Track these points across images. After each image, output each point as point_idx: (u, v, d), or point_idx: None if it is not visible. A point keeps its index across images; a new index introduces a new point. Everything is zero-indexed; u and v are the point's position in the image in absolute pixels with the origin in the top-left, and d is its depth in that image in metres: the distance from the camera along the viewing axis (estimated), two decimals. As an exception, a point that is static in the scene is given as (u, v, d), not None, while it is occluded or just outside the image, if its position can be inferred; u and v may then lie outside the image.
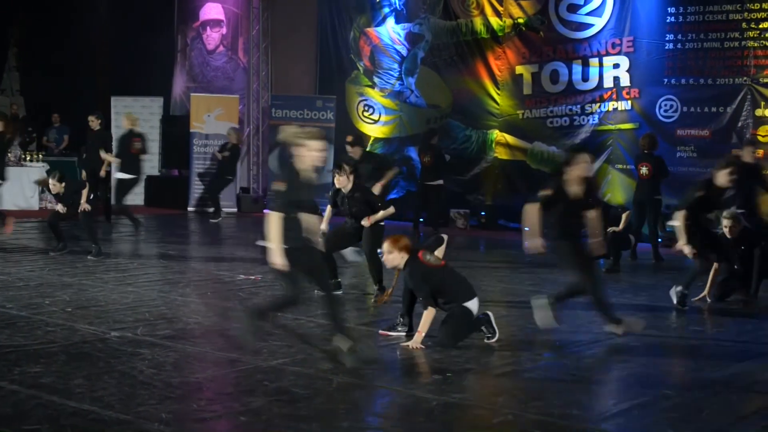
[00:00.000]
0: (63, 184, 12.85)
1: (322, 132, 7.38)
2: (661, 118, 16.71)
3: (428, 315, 7.79)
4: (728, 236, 10.60)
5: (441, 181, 17.25)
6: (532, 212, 8.46)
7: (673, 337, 8.66)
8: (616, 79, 17.21)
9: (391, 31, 19.98)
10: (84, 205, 12.68)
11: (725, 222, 10.71)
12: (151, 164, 21.77)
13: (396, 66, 19.94)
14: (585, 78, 17.59)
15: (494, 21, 18.55)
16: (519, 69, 18.36)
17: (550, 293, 8.67)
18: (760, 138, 15.67)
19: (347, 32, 20.64)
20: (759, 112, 15.77)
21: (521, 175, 18.34)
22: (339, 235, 10.46)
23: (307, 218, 7.24)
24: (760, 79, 15.76)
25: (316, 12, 21.28)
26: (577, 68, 17.65)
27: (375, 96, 20.24)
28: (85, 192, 12.79)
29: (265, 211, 20.59)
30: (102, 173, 16.17)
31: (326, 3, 21.00)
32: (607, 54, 17.30)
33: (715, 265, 10.67)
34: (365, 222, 10.06)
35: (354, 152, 12.79)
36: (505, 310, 9.61)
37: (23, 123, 22.32)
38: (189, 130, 20.77)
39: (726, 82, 16.09)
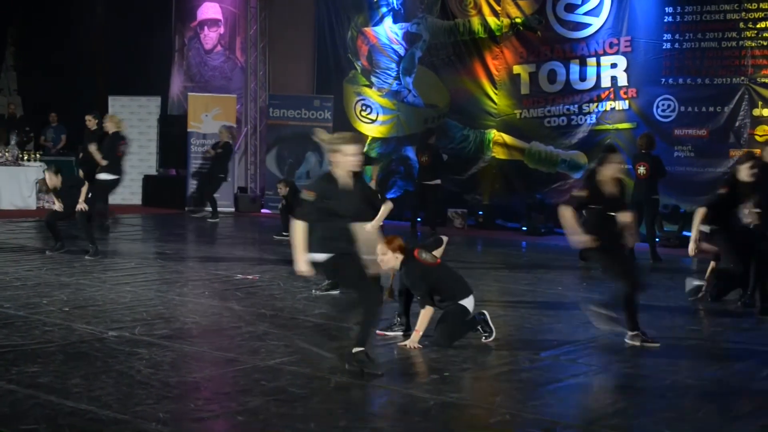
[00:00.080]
0: (60, 178, 12.86)
1: (356, 136, 7.26)
2: (658, 117, 16.72)
3: (426, 314, 7.80)
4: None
5: (439, 181, 17.25)
6: (567, 215, 8.28)
7: (670, 336, 8.66)
8: (614, 78, 17.22)
9: (388, 31, 19.97)
10: (82, 205, 12.68)
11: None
12: (149, 164, 21.81)
13: (393, 66, 19.93)
14: (582, 78, 17.60)
15: (492, 21, 18.55)
16: (516, 69, 18.36)
17: (598, 301, 8.48)
18: (757, 138, 15.69)
19: (345, 32, 20.63)
20: (756, 112, 15.78)
21: (519, 175, 18.35)
22: None
23: (356, 227, 7.14)
24: (758, 79, 15.77)
25: (314, 11, 21.27)
26: (574, 68, 17.65)
27: (372, 95, 20.24)
28: (84, 189, 12.79)
29: (262, 210, 20.62)
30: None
31: (324, 2, 20.98)
32: (605, 54, 17.30)
33: (712, 264, 10.68)
34: (368, 228, 10.01)
35: None
36: (502, 310, 9.62)
37: (20, 123, 22.30)
38: (186, 130, 20.76)
39: (723, 81, 16.10)
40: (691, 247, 9.86)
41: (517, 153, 18.43)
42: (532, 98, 18.21)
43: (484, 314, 8.13)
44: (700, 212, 9.93)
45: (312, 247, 6.87)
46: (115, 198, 20.48)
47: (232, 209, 20.70)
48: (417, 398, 6.29)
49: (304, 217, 6.86)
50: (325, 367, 6.97)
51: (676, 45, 16.55)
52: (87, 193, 12.80)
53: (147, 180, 21.45)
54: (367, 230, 7.19)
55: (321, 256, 6.87)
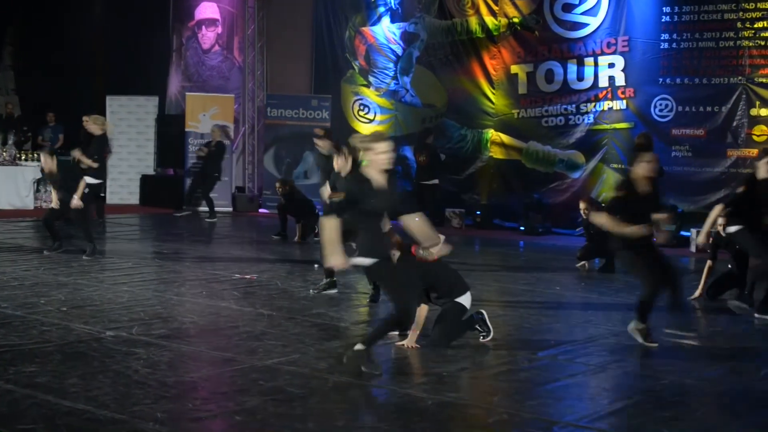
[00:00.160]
0: (55, 161, 12.85)
1: (385, 133, 7.19)
2: (656, 117, 16.74)
3: (421, 312, 7.80)
4: (723, 235, 10.60)
5: (436, 181, 17.27)
6: (605, 219, 8.28)
7: (668, 336, 8.66)
8: (611, 78, 17.23)
9: (386, 31, 19.98)
10: (77, 201, 12.60)
11: (720, 220, 10.72)
12: (147, 163, 21.80)
13: (391, 65, 19.94)
14: (580, 77, 17.61)
15: (489, 20, 18.55)
16: (514, 68, 18.37)
17: (637, 319, 8.30)
18: (754, 137, 15.70)
19: (342, 31, 20.64)
20: (754, 112, 15.80)
21: (516, 175, 18.36)
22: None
23: (407, 219, 7.05)
24: (755, 79, 15.79)
25: (312, 11, 21.28)
26: (572, 68, 17.66)
27: (370, 95, 20.25)
28: (82, 184, 12.73)
29: (260, 210, 20.61)
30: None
31: (321, 2, 20.99)
32: (603, 53, 17.31)
33: (709, 263, 10.69)
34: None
35: (323, 145, 12.53)
36: (501, 310, 9.62)
37: (18, 122, 22.29)
38: (184, 130, 20.76)
39: (721, 81, 16.11)
40: (702, 238, 9.95)
41: (514, 153, 18.43)
42: (529, 98, 18.21)
43: (482, 314, 8.13)
44: (717, 208, 9.94)
45: (359, 251, 6.82)
46: (112, 198, 20.58)
47: (230, 209, 20.69)
48: (415, 398, 6.29)
49: (333, 213, 6.78)
50: (323, 367, 6.97)
51: (674, 45, 16.56)
52: (84, 189, 12.75)
53: (144, 180, 21.44)
54: (416, 221, 7.00)
55: (366, 261, 6.82)
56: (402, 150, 19.64)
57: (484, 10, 18.60)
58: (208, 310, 9.24)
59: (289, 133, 20.54)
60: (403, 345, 7.76)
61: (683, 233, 16.12)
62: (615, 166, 17.12)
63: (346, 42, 20.59)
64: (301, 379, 6.64)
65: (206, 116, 20.59)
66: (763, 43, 15.72)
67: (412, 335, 7.77)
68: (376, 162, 6.88)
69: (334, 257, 6.73)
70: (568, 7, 17.68)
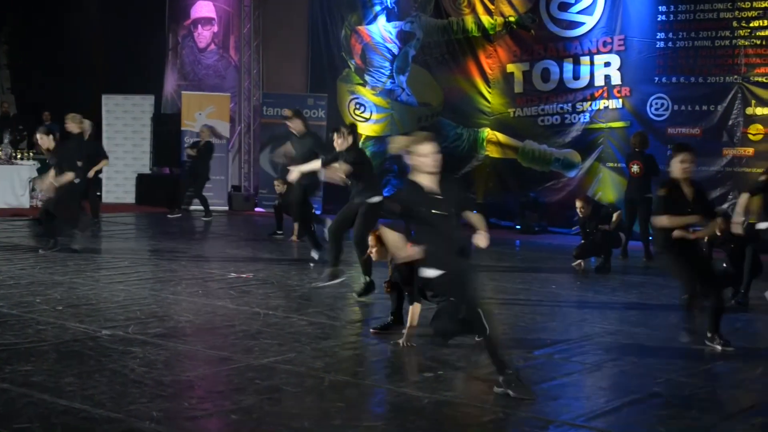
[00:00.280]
0: (51, 139, 12.83)
1: (428, 134, 6.87)
2: (652, 116, 16.74)
3: (415, 310, 7.80)
4: (717, 234, 10.61)
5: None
6: (667, 220, 7.96)
7: (664, 335, 8.67)
8: (607, 77, 17.23)
9: (382, 29, 19.98)
10: (51, 183, 12.58)
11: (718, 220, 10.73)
12: (142, 162, 21.79)
13: (387, 64, 19.94)
14: (576, 76, 17.61)
15: (485, 19, 18.55)
16: (510, 67, 18.37)
17: (689, 328, 8.26)
18: (750, 136, 15.72)
19: (338, 30, 20.63)
20: (750, 111, 15.81)
21: (512, 174, 18.37)
22: (346, 215, 10.43)
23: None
24: (751, 78, 15.80)
25: (307, 10, 21.27)
26: (568, 66, 17.67)
27: (366, 94, 20.24)
28: (69, 176, 12.70)
29: (256, 209, 20.61)
30: (90, 174, 15.87)
31: (317, 1, 20.98)
32: (598, 52, 17.31)
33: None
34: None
35: (294, 125, 12.57)
36: (496, 308, 9.61)
37: (14, 121, 22.29)
38: (180, 128, 20.75)
39: (717, 80, 16.12)
40: (736, 227, 9.59)
41: (510, 151, 18.44)
42: (525, 97, 18.22)
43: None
44: (744, 197, 9.78)
45: (425, 263, 6.65)
46: (108, 196, 20.56)
47: (226, 208, 20.69)
48: (411, 397, 6.29)
49: (388, 217, 6.65)
50: (319, 366, 6.98)
51: (670, 44, 16.57)
52: (73, 180, 12.75)
53: (140, 178, 21.44)
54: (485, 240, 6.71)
55: (432, 272, 6.63)
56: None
57: (480, 9, 18.60)
58: (204, 308, 9.23)
59: (285, 132, 20.29)
60: (399, 343, 7.76)
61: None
62: (611, 165, 17.13)
63: (342, 41, 20.58)
64: (297, 377, 6.64)
65: (202, 115, 20.58)
66: (758, 42, 15.73)
67: (408, 334, 7.77)
68: (422, 165, 6.61)
69: (405, 251, 6.61)
70: (564, 6, 17.68)
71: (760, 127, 15.71)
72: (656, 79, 16.71)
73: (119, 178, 21.39)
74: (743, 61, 15.87)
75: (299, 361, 7.12)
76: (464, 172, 18.85)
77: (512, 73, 18.35)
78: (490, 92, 18.61)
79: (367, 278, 10.10)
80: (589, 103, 17.45)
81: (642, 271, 13.28)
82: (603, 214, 13.19)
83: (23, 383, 6.23)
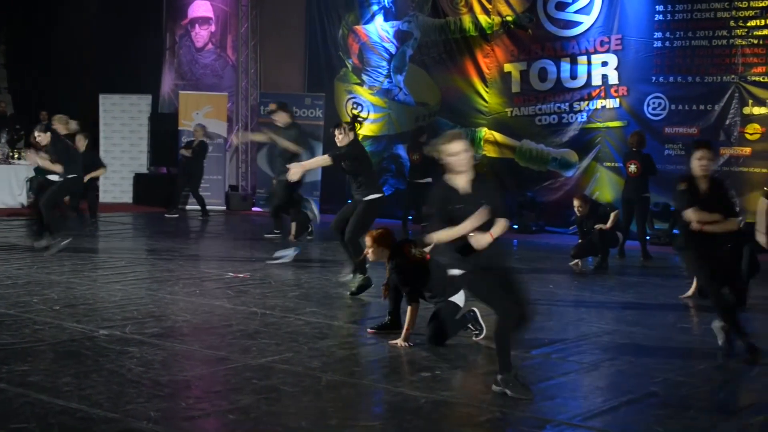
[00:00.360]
0: (49, 135, 12.85)
1: (457, 132, 6.73)
2: (649, 116, 16.75)
3: (413, 311, 7.80)
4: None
5: (430, 179, 17.20)
6: (694, 213, 7.76)
7: (660, 334, 8.68)
8: (605, 77, 17.23)
9: (379, 29, 19.98)
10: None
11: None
12: (140, 162, 21.78)
13: (384, 64, 19.94)
14: (573, 76, 17.61)
15: (483, 19, 18.55)
16: (507, 67, 18.37)
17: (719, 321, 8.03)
18: (747, 136, 15.73)
19: (336, 30, 20.63)
20: (747, 110, 15.82)
21: (510, 173, 18.36)
22: (345, 214, 10.48)
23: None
24: (748, 77, 15.80)
25: (305, 10, 21.26)
26: (565, 66, 17.67)
27: (363, 94, 20.24)
28: (57, 168, 12.78)
29: (253, 209, 20.58)
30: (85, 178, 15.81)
31: (315, 0, 20.97)
32: (596, 52, 17.32)
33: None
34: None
35: (279, 118, 12.54)
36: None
37: (11, 121, 22.26)
38: (177, 128, 20.74)
39: (714, 80, 16.13)
40: (760, 237, 8.93)
41: (508, 151, 18.44)
42: (523, 96, 18.22)
43: (474, 312, 8.13)
44: (762, 204, 9.08)
45: (451, 262, 6.57)
46: (105, 196, 20.53)
47: (223, 207, 20.69)
48: (408, 396, 6.29)
49: (434, 229, 6.50)
50: (316, 366, 6.98)
51: (667, 43, 16.58)
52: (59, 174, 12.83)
53: (137, 178, 21.42)
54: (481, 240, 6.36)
55: (457, 272, 6.54)
56: (395, 149, 19.66)
57: (477, 8, 18.59)
58: (201, 308, 9.23)
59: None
60: (396, 343, 7.77)
61: (676, 231, 16.12)
62: (608, 164, 17.13)
63: (340, 40, 20.58)
64: (294, 377, 6.64)
65: (199, 115, 20.56)
66: (756, 41, 15.74)
67: (405, 333, 7.78)
68: (452, 165, 6.50)
69: (479, 237, 6.35)
70: (562, 6, 17.68)
71: (757, 126, 15.72)
72: (653, 78, 16.71)
73: (116, 178, 21.37)
74: (740, 61, 15.88)
75: (296, 361, 7.12)
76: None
77: (509, 73, 18.35)
78: (487, 92, 18.61)
79: (361, 276, 10.11)
80: (586, 102, 17.46)
81: (639, 270, 13.29)
82: (601, 213, 13.20)
83: (20, 383, 6.23)
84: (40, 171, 15.01)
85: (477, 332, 8.07)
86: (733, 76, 15.94)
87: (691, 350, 8.21)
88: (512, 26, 18.27)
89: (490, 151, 18.59)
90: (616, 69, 17.11)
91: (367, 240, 8.25)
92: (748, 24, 15.77)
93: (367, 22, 20.13)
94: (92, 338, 7.68)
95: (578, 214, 13.31)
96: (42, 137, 12.94)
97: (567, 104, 17.68)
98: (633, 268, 13.40)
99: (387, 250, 8.12)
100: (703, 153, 7.92)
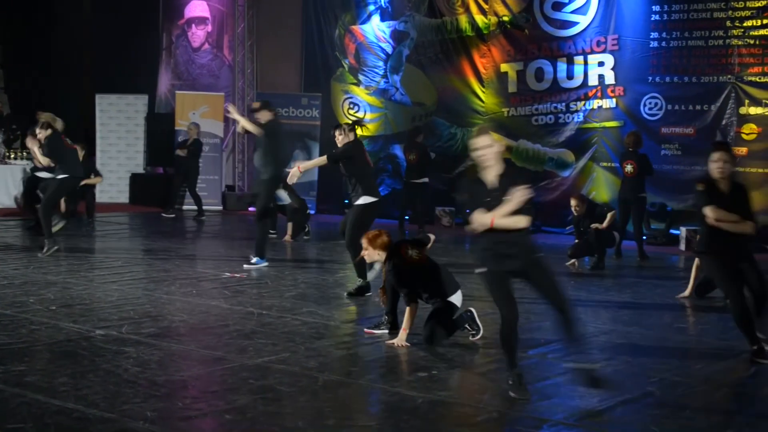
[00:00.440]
0: (49, 131, 12.85)
1: (485, 127, 6.69)
2: (645, 116, 16.77)
3: (411, 312, 7.80)
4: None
5: (426, 179, 17.26)
6: (714, 211, 7.57)
7: (657, 334, 8.68)
8: (601, 77, 17.25)
9: (376, 29, 19.98)
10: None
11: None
12: (136, 162, 21.77)
13: (381, 64, 19.94)
14: (570, 76, 17.63)
15: (479, 19, 18.57)
16: (504, 67, 18.38)
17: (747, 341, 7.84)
18: (744, 136, 15.74)
19: (332, 30, 20.63)
20: (743, 110, 15.83)
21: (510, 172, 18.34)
22: (348, 217, 10.52)
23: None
24: (745, 77, 15.83)
25: (301, 9, 21.27)
26: (562, 66, 17.68)
27: (360, 94, 20.24)
28: (45, 161, 12.82)
29: (250, 208, 20.56)
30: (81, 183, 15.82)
31: (311, 0, 20.98)
32: (592, 52, 17.33)
33: (697, 261, 10.68)
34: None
35: (262, 116, 12.54)
36: (490, 308, 9.57)
37: (7, 121, 22.24)
38: (174, 128, 20.73)
39: (710, 80, 16.15)
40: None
41: (504, 151, 18.39)
42: (519, 96, 18.23)
43: (471, 312, 8.13)
44: None
45: (479, 259, 6.55)
46: (102, 196, 20.52)
47: (220, 207, 20.68)
48: (405, 396, 6.29)
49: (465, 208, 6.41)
50: (313, 366, 6.98)
51: (663, 43, 16.59)
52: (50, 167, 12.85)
53: (134, 178, 21.42)
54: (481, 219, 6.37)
55: (480, 270, 6.53)
56: (392, 148, 19.67)
57: (474, 8, 18.61)
58: (198, 308, 9.22)
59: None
60: (394, 344, 7.77)
61: (673, 231, 16.17)
62: (604, 164, 17.15)
63: (336, 40, 20.59)
64: (291, 377, 6.64)
65: (196, 114, 20.56)
66: (752, 41, 15.76)
67: (402, 334, 7.78)
68: (479, 161, 6.51)
69: (479, 217, 6.36)
70: (558, 6, 17.70)
71: (753, 126, 15.74)
72: (650, 78, 16.73)
73: (113, 178, 21.36)
74: (737, 61, 15.90)
75: (293, 361, 7.12)
76: (458, 172, 18.86)
77: (506, 73, 18.37)
78: (484, 92, 18.62)
79: (361, 281, 10.12)
80: (582, 102, 17.47)
81: (636, 270, 13.30)
82: (598, 213, 13.21)
83: (17, 383, 6.23)
84: (35, 169, 15.00)
85: (474, 332, 8.07)
86: (729, 76, 15.96)
87: (688, 350, 8.22)
88: (509, 26, 18.29)
89: (486, 151, 18.56)
90: (612, 69, 17.13)
91: (363, 242, 8.24)
92: (745, 24, 15.80)
93: (363, 22, 20.13)
94: (89, 338, 7.68)
95: (575, 214, 13.31)
96: (41, 133, 12.94)
97: (564, 104, 17.70)
98: (630, 268, 13.41)
99: (383, 251, 8.11)
100: (718, 155, 7.76)
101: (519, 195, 6.25)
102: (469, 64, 18.75)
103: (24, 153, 19.90)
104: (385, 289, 8.21)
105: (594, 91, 17.35)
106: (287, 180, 11.00)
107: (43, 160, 13.02)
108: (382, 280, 8.27)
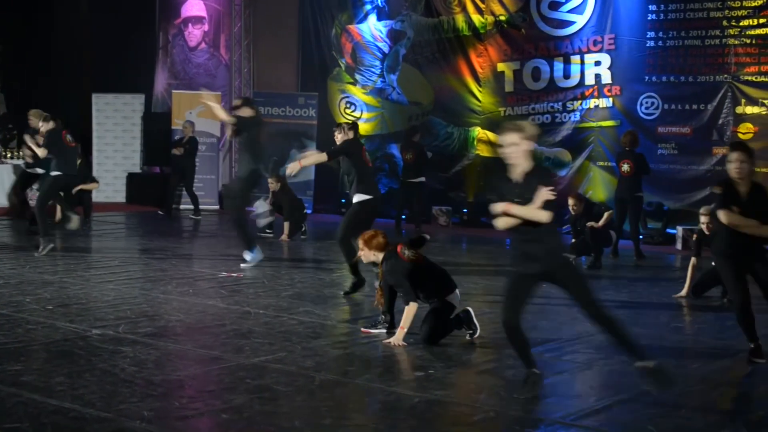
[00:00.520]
0: (51, 123, 12.88)
1: (514, 125, 6.69)
2: (642, 115, 16.77)
3: (410, 310, 7.80)
4: (705, 233, 10.64)
5: (423, 179, 17.26)
6: (729, 216, 7.48)
7: (654, 334, 8.68)
8: (598, 76, 17.25)
9: (372, 28, 19.97)
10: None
11: (702, 218, 10.76)
12: (133, 161, 21.74)
13: (378, 63, 19.93)
14: (566, 75, 17.63)
15: (476, 18, 18.56)
16: (501, 66, 18.38)
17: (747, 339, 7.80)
18: (740, 135, 15.74)
19: (329, 29, 20.62)
20: (739, 110, 15.84)
21: (503, 173, 18.33)
22: None
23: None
24: (741, 77, 15.83)
25: (298, 9, 21.25)
26: (558, 65, 17.68)
27: (357, 93, 20.24)
28: (40, 152, 12.87)
29: (247, 208, 20.52)
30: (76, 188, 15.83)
31: (308, 0, 20.96)
32: (589, 51, 17.33)
33: (693, 260, 10.69)
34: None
35: (243, 113, 12.53)
36: (487, 307, 9.62)
37: (3, 120, 22.22)
38: (171, 127, 20.71)
39: (707, 79, 16.15)
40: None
41: (532, 150, 18.38)
42: (516, 96, 18.23)
43: (468, 311, 8.13)
44: None
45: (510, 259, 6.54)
46: (98, 196, 20.48)
47: (216, 207, 20.66)
48: (402, 396, 6.29)
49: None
50: (309, 365, 6.98)
51: (660, 43, 16.59)
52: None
53: (131, 178, 21.39)
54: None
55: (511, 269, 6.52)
56: (389, 148, 19.66)
57: (470, 8, 18.60)
58: (194, 308, 9.22)
59: (276, 131, 20.49)
60: (391, 343, 7.77)
61: (669, 231, 16.18)
62: (601, 164, 17.15)
63: (333, 40, 20.58)
64: (287, 377, 6.64)
65: (192, 114, 20.53)
66: (748, 41, 15.76)
67: (400, 333, 7.78)
68: (504, 156, 6.52)
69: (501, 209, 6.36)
70: (555, 5, 17.70)
71: (749, 125, 15.74)
72: (646, 78, 16.73)
73: (109, 177, 21.32)
74: (733, 60, 15.90)
75: (290, 360, 7.12)
76: (455, 171, 18.88)
77: (503, 72, 18.36)
78: (480, 91, 18.62)
79: (355, 278, 10.13)
80: (579, 102, 17.47)
81: (632, 270, 13.30)
82: (595, 212, 13.23)
83: (13, 383, 6.22)
84: (29, 166, 14.98)
85: (471, 332, 8.07)
86: (725, 76, 15.96)
87: (684, 349, 8.22)
88: (505, 26, 18.28)
89: (483, 151, 18.60)
90: (609, 68, 17.13)
91: (359, 242, 8.25)
92: (741, 23, 15.80)
93: (360, 22, 20.13)
94: (85, 338, 7.67)
95: (572, 213, 13.33)
96: (44, 126, 12.95)
97: (560, 104, 17.70)
98: (626, 268, 13.41)
99: (379, 252, 8.11)
100: (735, 156, 7.56)
101: (542, 195, 6.27)
102: (465, 63, 18.75)
103: (20, 153, 19.88)
104: (382, 288, 8.23)
105: (591, 90, 17.35)
106: (287, 173, 11.01)
107: (41, 152, 13.01)
108: (379, 279, 8.27)
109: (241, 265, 11.93)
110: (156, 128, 21.31)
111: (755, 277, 7.61)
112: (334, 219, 17.42)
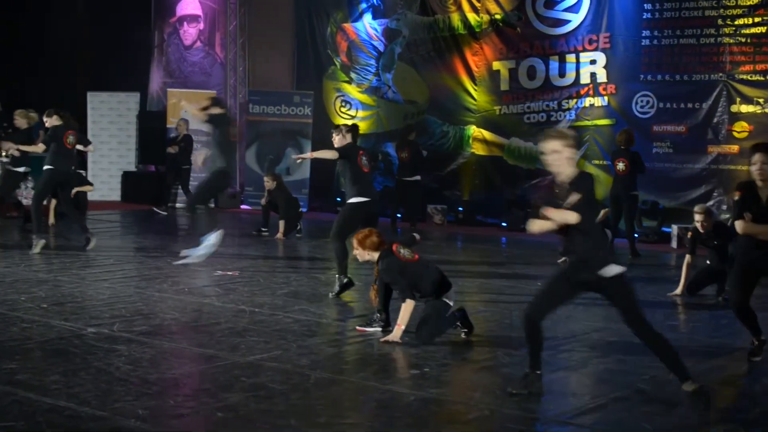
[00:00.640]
0: (55, 117, 12.89)
1: (555, 132, 6.53)
2: (637, 114, 16.79)
3: (407, 308, 7.80)
4: (700, 231, 10.65)
5: (418, 177, 17.22)
6: (745, 226, 7.28)
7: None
8: (593, 75, 17.27)
9: (368, 27, 19.97)
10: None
11: (697, 217, 10.75)
12: (128, 160, 21.73)
13: (373, 61, 19.93)
14: (562, 74, 17.64)
15: (471, 17, 18.56)
16: (496, 65, 18.39)
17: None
18: (735, 134, 15.77)
19: (324, 28, 20.61)
20: (734, 108, 15.86)
21: (498, 171, 18.38)
22: None
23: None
24: (736, 75, 15.85)
25: (293, 7, 21.25)
26: (554, 64, 17.69)
27: (352, 91, 20.23)
28: (34, 148, 13.02)
29: (242, 206, 20.55)
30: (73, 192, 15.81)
31: (303, -2, 21.00)
32: (584, 50, 17.35)
33: (688, 258, 10.69)
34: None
35: (213, 111, 12.50)
36: (483, 306, 9.63)
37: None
38: (166, 126, 20.70)
39: (702, 78, 16.17)
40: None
41: (496, 149, 18.45)
42: (511, 94, 18.24)
43: (463, 310, 8.14)
44: None
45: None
46: (93, 194, 20.42)
47: (212, 205, 20.61)
48: (397, 394, 6.29)
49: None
50: (305, 363, 6.98)
51: (655, 41, 16.61)
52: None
53: (126, 176, 21.37)
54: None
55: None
56: (384, 146, 19.65)
57: (466, 6, 18.60)
58: (189, 306, 9.22)
59: (271, 129, 20.52)
60: (387, 340, 7.77)
61: (665, 229, 16.20)
62: (596, 162, 17.15)
63: (328, 38, 20.57)
64: (282, 375, 6.64)
65: (188, 113, 20.51)
66: (743, 39, 15.79)
67: (397, 330, 7.78)
68: (546, 163, 6.43)
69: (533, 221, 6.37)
70: (550, 4, 17.71)
71: (744, 124, 15.76)
72: (642, 76, 16.75)
73: (104, 176, 21.31)
74: (728, 59, 15.93)
75: (285, 359, 7.12)
76: (450, 170, 18.89)
77: (498, 71, 18.37)
78: (476, 90, 18.62)
79: (344, 278, 10.06)
80: (574, 100, 17.49)
81: (627, 268, 13.26)
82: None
83: (8, 381, 6.21)
84: (17, 162, 14.90)
85: (466, 330, 8.08)
86: (720, 75, 15.99)
87: (679, 348, 8.18)
88: (501, 24, 18.29)
89: (478, 149, 18.61)
90: (604, 67, 17.14)
91: (353, 242, 8.26)
92: (736, 22, 15.81)
93: (355, 20, 20.12)
94: (80, 336, 7.66)
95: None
96: (48, 121, 12.95)
97: (555, 102, 17.71)
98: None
99: (374, 251, 8.11)
100: (757, 157, 7.30)
101: (572, 199, 6.22)
102: (461, 62, 18.75)
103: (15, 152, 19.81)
104: (378, 287, 8.23)
105: (586, 89, 17.36)
106: (295, 159, 11.01)
107: (39, 148, 13.00)
108: (374, 277, 8.27)
109: (182, 251, 11.95)
110: (151, 126, 21.29)
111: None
112: (329, 217, 17.40)
